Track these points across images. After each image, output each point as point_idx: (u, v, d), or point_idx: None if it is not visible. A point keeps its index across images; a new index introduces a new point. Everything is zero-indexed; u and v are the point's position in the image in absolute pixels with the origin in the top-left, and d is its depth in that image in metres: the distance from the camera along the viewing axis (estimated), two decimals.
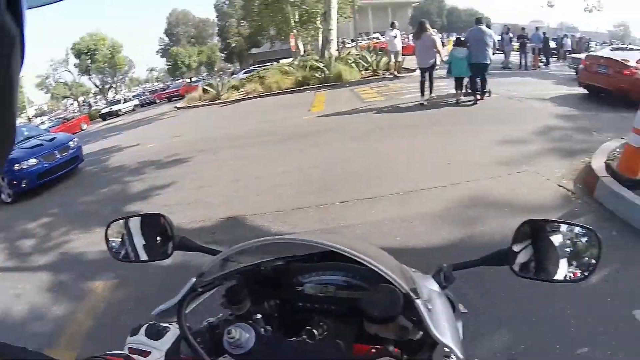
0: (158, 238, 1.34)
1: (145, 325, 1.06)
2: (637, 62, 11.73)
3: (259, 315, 1.09)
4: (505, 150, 7.37)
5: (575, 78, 16.15)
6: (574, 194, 5.80)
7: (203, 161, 8.89)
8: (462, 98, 11.38)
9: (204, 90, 20.91)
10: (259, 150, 8.90)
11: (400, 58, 16.99)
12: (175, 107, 21.14)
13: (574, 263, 1.14)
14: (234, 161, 8.45)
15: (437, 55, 10.93)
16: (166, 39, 72.16)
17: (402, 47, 17.41)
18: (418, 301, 0.94)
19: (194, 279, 1.12)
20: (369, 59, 17.85)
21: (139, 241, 1.33)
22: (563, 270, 1.13)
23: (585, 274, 1.12)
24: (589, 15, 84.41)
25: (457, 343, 0.93)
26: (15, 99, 0.34)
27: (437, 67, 11.44)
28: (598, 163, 6.32)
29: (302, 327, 1.05)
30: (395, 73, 16.76)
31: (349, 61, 18.26)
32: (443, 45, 13.62)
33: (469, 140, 8.06)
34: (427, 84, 11.34)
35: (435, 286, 1.13)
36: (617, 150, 7.02)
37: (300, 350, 0.99)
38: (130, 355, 0.98)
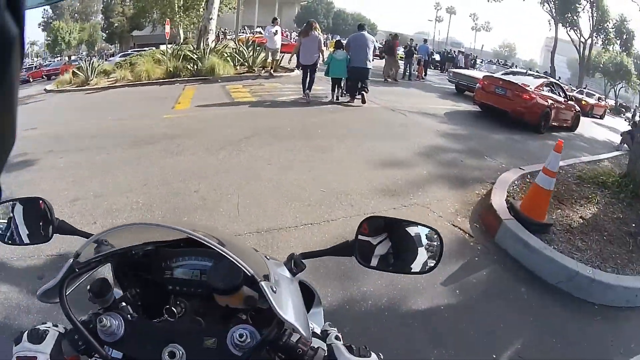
0: (39, 222, 1.34)
1: (27, 332, 1.05)
2: (536, 88, 12.11)
3: (124, 304, 1.12)
4: (389, 174, 6.34)
5: (455, 92, 16.74)
6: (471, 237, 4.86)
7: (47, 167, 6.56)
8: (340, 99, 11.48)
9: (73, 74, 17.76)
10: (109, 155, 6.73)
11: (278, 56, 15.58)
12: (45, 89, 17.78)
13: (416, 258, 1.26)
14: (78, 170, 6.24)
15: (320, 54, 11.00)
16: (50, 11, 63.94)
17: (283, 45, 16.39)
18: (262, 283, 1.01)
19: (71, 260, 1.12)
20: (246, 54, 16.04)
21: (21, 224, 1.34)
22: (405, 263, 1.28)
23: (427, 269, 1.25)
24: (478, 34, 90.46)
25: (302, 323, 1.02)
26: (15, 98, 0.35)
27: (318, 67, 11.35)
28: (498, 200, 5.43)
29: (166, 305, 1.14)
30: (272, 72, 15.38)
31: (225, 55, 16.30)
32: (325, 46, 13.60)
33: (347, 160, 6.91)
34: (307, 81, 11.20)
35: (286, 272, 1.22)
36: (516, 182, 6.35)
37: (165, 329, 1.07)
38: None
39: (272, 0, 64.94)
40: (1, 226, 1.36)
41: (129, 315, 1.09)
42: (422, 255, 1.26)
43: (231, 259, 1.04)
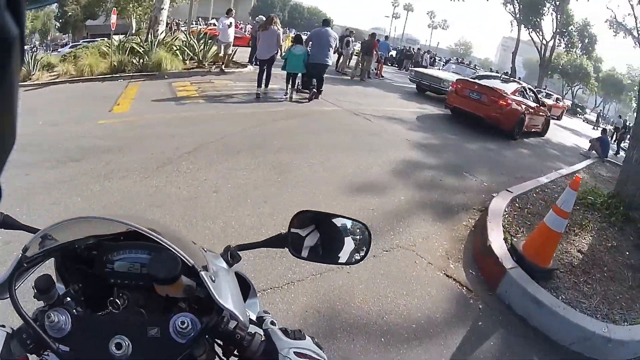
0: None
1: None
2: (511, 94, 11.73)
3: (69, 299, 1.12)
4: (363, 203, 5.32)
5: (417, 92, 16.20)
6: (470, 290, 4.04)
7: None
8: (294, 96, 10.99)
9: None
10: (28, 177, 5.08)
11: (230, 50, 14.25)
12: None
13: (343, 249, 1.34)
14: None
15: (279, 50, 10.85)
16: None
17: (236, 38, 15.25)
18: (202, 273, 1.04)
19: (20, 255, 1.12)
20: (196, 48, 14.67)
21: None
22: (333, 254, 1.35)
23: (354, 260, 1.34)
24: (434, 31, 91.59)
25: (239, 310, 1.08)
26: (15, 99, 0.35)
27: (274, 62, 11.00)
28: (496, 241, 4.55)
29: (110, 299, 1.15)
30: (223, 67, 13.95)
31: (174, 48, 14.88)
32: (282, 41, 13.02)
33: (311, 183, 5.67)
34: (263, 76, 10.86)
35: (223, 264, 1.24)
36: (508, 210, 5.63)
37: (110, 322, 1.09)
38: None
39: None
40: None
41: (74, 310, 1.09)
42: (349, 246, 1.34)
43: (172, 250, 1.07)
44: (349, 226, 1.36)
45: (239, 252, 1.29)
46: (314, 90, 10.92)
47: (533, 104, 12.75)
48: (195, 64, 14.46)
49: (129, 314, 1.14)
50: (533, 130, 13.18)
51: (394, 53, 31.98)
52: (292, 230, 1.31)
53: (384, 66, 21.06)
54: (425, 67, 22.36)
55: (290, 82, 10.79)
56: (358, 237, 1.36)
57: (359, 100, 11.80)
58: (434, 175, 6.82)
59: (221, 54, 13.96)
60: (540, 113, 13.44)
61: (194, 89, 10.91)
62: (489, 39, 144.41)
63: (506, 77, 15.28)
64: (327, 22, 10.94)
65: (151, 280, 1.08)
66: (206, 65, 14.29)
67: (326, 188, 5.55)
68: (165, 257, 1.06)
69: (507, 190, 6.29)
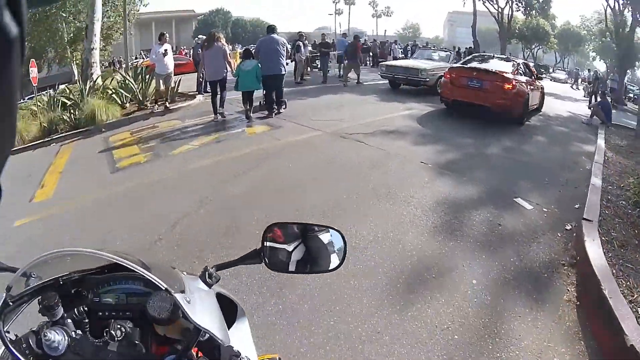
0: None
1: None
2: (513, 74, 10.33)
3: (70, 320, 1.16)
4: (423, 318, 3.28)
5: (391, 88, 14.80)
6: None
7: None
8: (254, 118, 9.78)
9: None
10: None
11: (172, 82, 11.88)
12: None
13: (327, 256, 1.37)
14: None
15: (228, 67, 9.78)
16: None
17: (179, 65, 13.66)
18: (176, 295, 1.07)
19: (4, 295, 1.14)
20: (134, 87, 12.33)
21: None
22: (320, 263, 1.38)
23: (334, 267, 1.36)
24: (379, 20, 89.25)
25: (218, 328, 1.12)
26: (15, 98, 0.35)
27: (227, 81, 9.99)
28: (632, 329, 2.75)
29: (104, 328, 1.17)
30: (167, 104, 11.60)
31: (110, 91, 12.49)
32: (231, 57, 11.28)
33: (323, 304, 3.39)
34: (217, 99, 9.88)
35: (201, 285, 1.27)
36: (609, 257, 3.90)
37: (104, 350, 1.12)
38: None
39: (168, 19, 62.15)
40: None
41: (72, 332, 1.12)
42: (330, 253, 1.38)
43: (146, 276, 1.11)
44: (327, 234, 1.39)
45: (217, 272, 1.31)
46: (275, 107, 9.96)
47: (531, 80, 11.26)
48: (135, 106, 12.22)
49: (124, 347, 1.13)
50: (533, 108, 11.72)
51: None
52: (269, 244, 1.34)
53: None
54: (396, 58, 20.76)
55: (249, 103, 9.72)
56: (335, 243, 1.38)
57: (336, 115, 9.94)
58: (485, 217, 4.97)
59: (162, 89, 11.71)
60: (537, 88, 12.01)
61: (133, 142, 8.59)
62: (434, 17, 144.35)
63: (502, 56, 14.05)
64: (271, 29, 10.04)
65: (151, 320, 1.12)
66: (148, 105, 11.97)
67: (360, 311, 3.35)
68: (162, 298, 1.10)
69: (585, 219, 4.53)
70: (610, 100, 19.97)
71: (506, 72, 10.13)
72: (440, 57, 15.75)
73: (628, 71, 25.85)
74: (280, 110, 10.02)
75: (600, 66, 59.82)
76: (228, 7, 79.35)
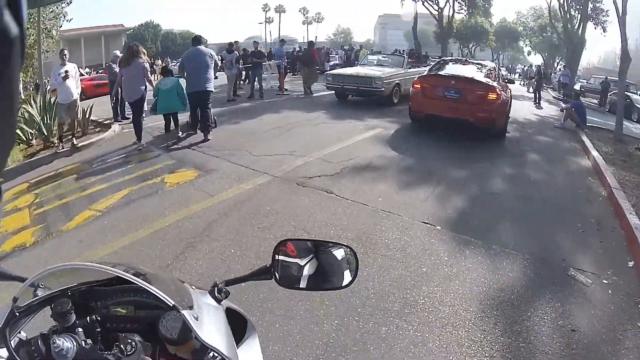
0: None
1: None
2: (494, 81, 9.02)
3: (80, 329, 1.14)
4: None
5: (339, 101, 13.11)
6: None
7: None
8: (181, 139, 8.58)
9: None
10: None
11: (80, 112, 9.24)
12: None
13: (340, 273, 1.33)
14: None
15: (148, 84, 8.52)
16: None
17: (101, 86, 12.36)
18: (184, 312, 1.05)
19: (10, 305, 1.13)
20: (37, 119, 9.66)
21: None
22: (332, 280, 1.33)
23: (347, 283, 1.32)
24: (309, 26, 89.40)
25: (227, 346, 1.09)
26: (15, 98, 0.35)
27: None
28: None
29: (113, 341, 1.15)
30: (74, 141, 8.97)
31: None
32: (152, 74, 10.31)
33: None
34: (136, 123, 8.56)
35: (210, 300, 1.25)
36: None
37: None
38: None
39: (96, 35, 59.08)
40: None
41: (82, 341, 1.09)
42: (343, 269, 1.33)
43: (153, 291, 1.09)
44: (340, 250, 1.36)
45: (226, 288, 1.30)
46: (203, 127, 8.53)
47: (505, 85, 9.89)
48: (41, 144, 9.57)
49: None
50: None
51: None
52: (281, 259, 1.31)
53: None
54: (336, 66, 19.03)
55: (175, 126, 8.78)
56: (348, 260, 1.34)
57: (284, 145, 7.70)
58: (552, 320, 3.21)
59: (67, 121, 9.13)
60: (509, 92, 10.44)
61: (26, 205, 6.14)
62: (365, 20, 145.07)
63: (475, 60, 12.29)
64: (197, 40, 8.84)
65: (163, 339, 1.10)
66: (56, 141, 9.40)
67: None
68: (173, 318, 1.08)
69: None
70: (564, 97, 19.33)
71: (488, 80, 8.73)
72: (393, 63, 14.14)
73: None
74: (209, 138, 8.39)
75: (536, 60, 61.40)
76: (157, 20, 76.62)
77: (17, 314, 1.12)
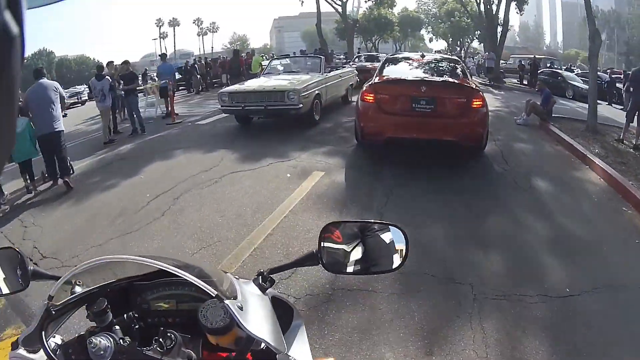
0: (14, 271, 1.30)
1: (24, 337, 1.07)
2: (472, 81, 7.00)
3: (118, 327, 1.12)
4: None
5: (242, 126, 9.68)
6: None
7: None
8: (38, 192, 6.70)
9: None
10: None
11: None
12: None
13: (389, 256, 1.26)
14: None
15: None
16: None
17: None
18: (227, 302, 1.01)
19: (45, 303, 1.10)
20: None
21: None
22: (381, 263, 1.27)
23: (395, 266, 1.24)
24: (205, 37, 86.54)
25: (273, 336, 1.05)
26: (15, 99, 0.35)
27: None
28: None
29: (153, 336, 1.11)
30: None
31: None
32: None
33: None
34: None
35: (255, 290, 1.21)
36: None
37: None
38: None
39: None
40: None
41: (120, 340, 1.07)
42: (392, 251, 1.27)
43: (194, 282, 1.06)
44: (387, 232, 1.28)
45: (271, 276, 1.27)
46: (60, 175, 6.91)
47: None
48: None
49: (174, 356, 1.07)
50: None
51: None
52: (326, 245, 1.26)
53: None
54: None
55: (27, 174, 7.05)
56: (396, 241, 1.27)
57: (169, 246, 4.27)
58: None
59: None
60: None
61: None
62: (261, 25, 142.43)
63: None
64: (39, 73, 7.19)
65: (202, 329, 1.05)
66: None
67: None
68: (214, 306, 1.04)
69: None
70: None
71: (467, 81, 6.42)
72: (307, 67, 10.80)
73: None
74: (71, 186, 6.73)
75: (439, 46, 61.94)
76: (50, 47, 69.24)
77: (53, 313, 1.09)
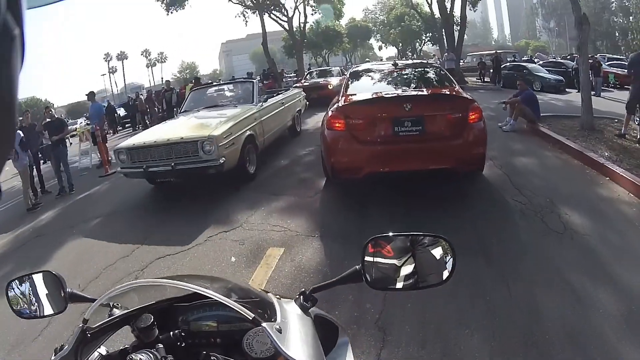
0: (53, 293, 1.31)
1: (71, 346, 1.08)
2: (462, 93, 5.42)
3: (161, 345, 1.10)
4: None
5: (159, 196, 7.12)
6: None
7: None
8: None
9: None
10: None
11: None
12: None
13: (439, 271, 1.18)
14: None
15: None
16: None
17: None
18: (265, 325, 0.99)
19: (80, 326, 1.11)
20: None
21: (37, 298, 1.31)
22: (429, 278, 1.18)
23: (447, 276, 1.16)
24: (154, 68, 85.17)
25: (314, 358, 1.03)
26: (15, 99, 0.35)
27: None
28: None
29: (195, 357, 1.09)
30: None
31: None
32: None
33: None
34: None
35: (296, 309, 1.20)
36: None
37: None
38: None
39: None
40: (18, 302, 1.33)
41: (162, 358, 1.05)
42: (440, 265, 1.19)
43: (230, 305, 1.04)
44: (438, 248, 1.20)
45: (314, 295, 1.24)
46: None
47: None
48: None
49: None
50: None
51: (121, 111, 23.29)
52: (375, 260, 1.19)
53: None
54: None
55: None
56: (445, 254, 1.19)
57: None
58: None
59: None
60: None
61: None
62: (209, 51, 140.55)
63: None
64: None
65: (248, 358, 1.04)
66: None
67: None
68: (258, 335, 1.02)
69: None
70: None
71: (458, 90, 5.31)
72: (236, 98, 8.15)
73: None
74: None
75: (389, 53, 61.74)
76: None
77: (89, 335, 1.09)
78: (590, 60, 17.33)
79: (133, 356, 0.98)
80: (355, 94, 5.31)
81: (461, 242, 3.54)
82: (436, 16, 27.14)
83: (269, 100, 8.17)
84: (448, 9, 22.03)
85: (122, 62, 79.30)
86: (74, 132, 13.96)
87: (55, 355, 1.04)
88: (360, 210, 4.88)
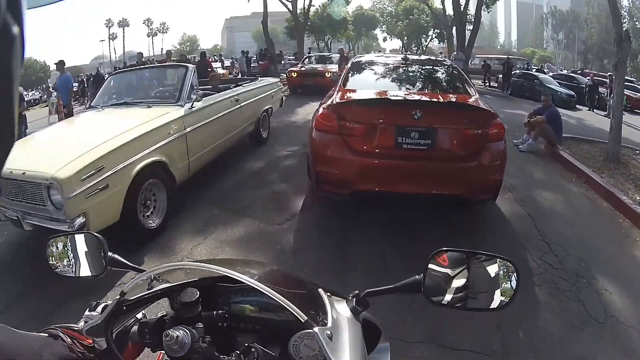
0: (93, 255, 1.26)
1: (103, 304, 1.09)
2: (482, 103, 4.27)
3: (201, 325, 1.03)
4: None
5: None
6: None
7: None
8: None
9: None
10: None
11: None
12: None
13: (491, 292, 1.09)
14: None
15: None
16: None
17: None
18: (316, 329, 0.92)
19: (118, 298, 1.07)
20: None
21: (76, 258, 1.27)
22: (480, 299, 1.09)
23: (503, 303, 1.06)
24: (155, 38, 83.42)
25: None
26: (15, 98, 0.35)
27: None
28: None
29: (233, 343, 1.07)
30: None
31: None
32: None
33: None
34: None
35: (348, 312, 1.10)
36: None
37: None
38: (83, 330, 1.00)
39: None
40: (56, 259, 1.30)
41: (200, 338, 0.98)
42: (495, 288, 1.08)
43: (283, 304, 0.98)
44: (494, 265, 1.08)
45: (367, 299, 1.14)
46: None
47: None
48: None
49: None
50: None
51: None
52: (430, 266, 1.08)
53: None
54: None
55: None
56: (503, 276, 1.08)
57: None
58: None
59: None
60: None
61: None
62: (212, 26, 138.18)
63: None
64: None
65: (279, 333, 1.03)
66: None
67: None
68: (307, 339, 0.95)
69: None
70: None
71: (474, 98, 4.30)
72: (155, 94, 5.36)
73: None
74: None
75: (393, 46, 60.62)
76: None
77: (124, 307, 1.07)
78: (605, 78, 16.57)
79: (170, 331, 0.92)
80: (354, 90, 4.30)
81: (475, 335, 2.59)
82: (447, 13, 25.97)
83: (210, 97, 5.52)
84: (462, 7, 20.90)
85: (123, 29, 77.41)
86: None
87: (88, 311, 1.04)
88: (342, 246, 3.84)
